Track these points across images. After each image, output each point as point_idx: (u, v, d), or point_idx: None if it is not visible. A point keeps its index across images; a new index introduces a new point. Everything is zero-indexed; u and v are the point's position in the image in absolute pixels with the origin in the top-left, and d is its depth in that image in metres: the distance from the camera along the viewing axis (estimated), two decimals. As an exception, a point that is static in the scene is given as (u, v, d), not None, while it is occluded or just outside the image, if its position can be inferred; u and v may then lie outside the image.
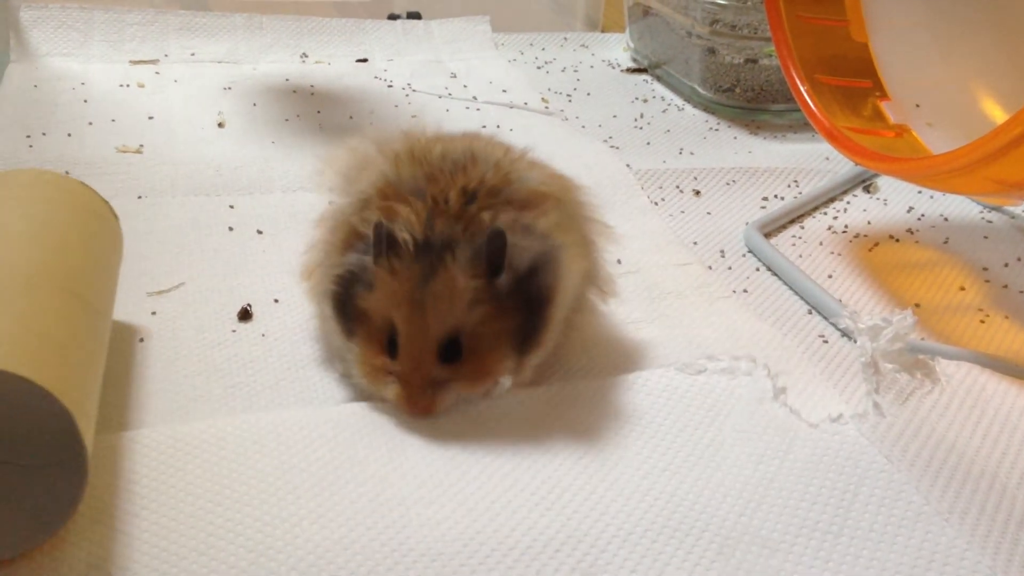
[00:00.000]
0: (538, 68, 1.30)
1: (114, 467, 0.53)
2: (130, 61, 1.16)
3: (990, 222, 0.91)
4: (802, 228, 0.89)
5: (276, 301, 0.70)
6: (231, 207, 0.85)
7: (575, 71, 1.30)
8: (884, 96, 0.87)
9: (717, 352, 0.66)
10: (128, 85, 1.09)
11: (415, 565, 0.48)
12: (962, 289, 0.79)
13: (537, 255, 0.57)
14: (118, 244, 0.65)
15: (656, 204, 0.91)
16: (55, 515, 0.46)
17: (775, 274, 0.80)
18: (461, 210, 0.57)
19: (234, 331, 0.67)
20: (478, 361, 0.57)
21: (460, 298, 0.55)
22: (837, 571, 0.49)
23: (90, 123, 0.98)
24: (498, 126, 1.06)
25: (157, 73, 1.14)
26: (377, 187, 0.59)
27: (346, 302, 0.58)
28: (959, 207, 0.94)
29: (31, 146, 0.92)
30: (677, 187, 0.95)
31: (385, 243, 0.55)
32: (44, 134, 0.94)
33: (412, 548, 0.48)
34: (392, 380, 0.57)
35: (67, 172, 0.86)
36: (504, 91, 1.18)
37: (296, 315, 0.68)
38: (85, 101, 1.04)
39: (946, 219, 0.91)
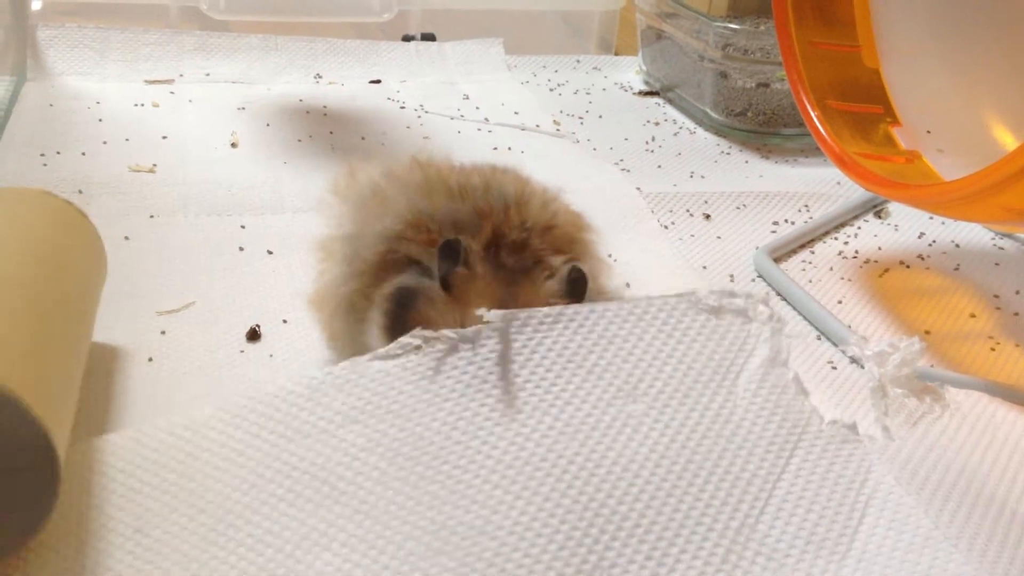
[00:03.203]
0: (550, 90, 1.30)
1: (87, 473, 0.51)
2: (145, 80, 1.17)
3: (1002, 249, 0.91)
4: (812, 253, 0.89)
5: (285, 322, 0.71)
6: (242, 227, 0.85)
7: (587, 93, 1.30)
8: (895, 122, 0.87)
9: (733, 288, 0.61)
10: (143, 104, 1.10)
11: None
12: (972, 316, 0.79)
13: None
14: (91, 249, 0.64)
15: (666, 228, 0.91)
16: (26, 525, 0.46)
17: (784, 299, 0.80)
18: (523, 246, 0.57)
19: (243, 351, 0.67)
20: None
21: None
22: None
23: (104, 142, 0.99)
24: (509, 148, 1.06)
25: (172, 93, 1.15)
26: (407, 220, 0.58)
27: (402, 318, 0.55)
28: (970, 234, 0.93)
29: (45, 164, 0.92)
30: (687, 211, 0.95)
31: (461, 255, 0.54)
32: (58, 153, 0.95)
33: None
34: None
35: (80, 191, 0.87)
36: (516, 113, 1.18)
37: (305, 336, 0.69)
38: (100, 120, 1.04)
39: (957, 245, 0.91)
